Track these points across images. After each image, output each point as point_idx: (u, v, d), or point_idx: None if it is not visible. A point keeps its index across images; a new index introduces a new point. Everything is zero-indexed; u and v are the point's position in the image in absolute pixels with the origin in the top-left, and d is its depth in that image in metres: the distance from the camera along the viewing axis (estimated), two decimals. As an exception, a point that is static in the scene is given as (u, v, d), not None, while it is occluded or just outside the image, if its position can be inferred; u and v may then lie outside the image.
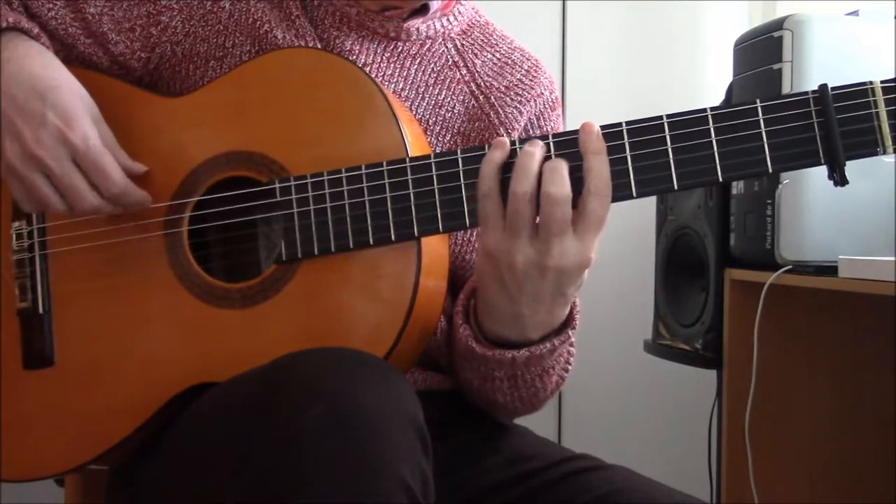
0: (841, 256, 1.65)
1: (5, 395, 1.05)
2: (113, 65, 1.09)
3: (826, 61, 1.75)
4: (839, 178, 0.90)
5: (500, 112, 1.13)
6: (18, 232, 1.06)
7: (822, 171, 1.72)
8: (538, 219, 0.90)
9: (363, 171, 0.96)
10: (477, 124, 1.13)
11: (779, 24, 1.80)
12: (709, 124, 0.91)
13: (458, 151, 0.94)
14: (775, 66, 1.78)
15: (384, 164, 0.95)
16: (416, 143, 0.99)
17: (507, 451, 1.08)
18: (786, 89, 1.76)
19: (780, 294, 1.82)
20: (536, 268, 0.91)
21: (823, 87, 0.90)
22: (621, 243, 2.34)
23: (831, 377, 1.96)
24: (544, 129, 1.16)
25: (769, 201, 1.82)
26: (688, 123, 0.91)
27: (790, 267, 1.78)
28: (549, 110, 1.16)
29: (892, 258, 1.55)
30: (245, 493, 0.81)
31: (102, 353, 1.03)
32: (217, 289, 1.00)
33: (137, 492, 1.03)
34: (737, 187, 1.94)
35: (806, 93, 0.90)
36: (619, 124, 0.92)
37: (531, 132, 1.15)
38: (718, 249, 1.99)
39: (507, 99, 1.14)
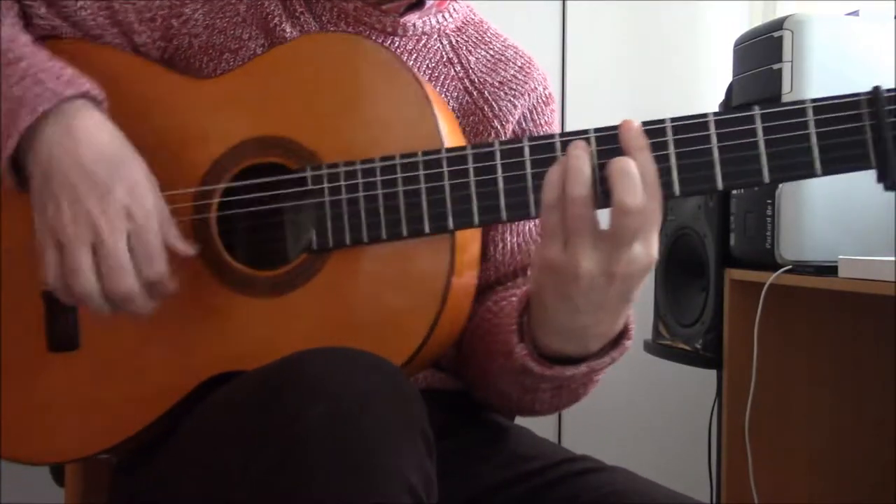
0: (841, 256, 1.65)
1: (27, 377, 1.03)
2: (135, 54, 1.09)
3: (826, 61, 1.75)
4: (890, 184, 0.87)
5: (495, 105, 1.13)
6: None
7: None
8: (609, 227, 0.88)
9: (398, 161, 0.93)
10: (471, 119, 1.13)
11: (779, 24, 1.80)
12: (756, 124, 0.88)
13: (496, 143, 0.92)
14: (775, 66, 1.78)
15: (420, 154, 0.93)
16: (451, 133, 0.97)
17: (508, 451, 1.08)
18: (786, 89, 1.76)
19: (780, 294, 1.82)
20: (604, 275, 0.88)
21: (877, 88, 0.87)
22: (621, 243, 2.33)
23: (831, 377, 1.96)
24: (538, 122, 1.15)
25: (769, 201, 1.82)
26: (734, 122, 0.89)
27: (790, 267, 1.78)
28: (542, 105, 1.16)
29: (892, 258, 1.55)
30: (249, 492, 0.81)
31: (128, 339, 1.01)
32: (246, 276, 0.99)
33: (141, 489, 1.03)
34: (737, 187, 1.94)
35: (858, 94, 0.87)
36: (663, 121, 0.89)
37: (525, 126, 1.15)
38: (718, 249, 1.99)
39: (501, 93, 1.14)
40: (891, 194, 1.77)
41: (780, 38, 1.77)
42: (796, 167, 0.88)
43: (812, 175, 0.88)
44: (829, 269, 1.69)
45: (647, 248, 0.88)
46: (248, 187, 0.99)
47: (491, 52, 1.16)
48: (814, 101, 0.88)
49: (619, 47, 2.59)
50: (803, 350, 1.95)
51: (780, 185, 1.78)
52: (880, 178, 0.88)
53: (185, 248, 0.98)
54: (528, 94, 1.15)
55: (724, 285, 1.95)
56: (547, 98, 1.18)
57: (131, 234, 0.95)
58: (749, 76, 1.87)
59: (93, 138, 0.96)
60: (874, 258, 1.60)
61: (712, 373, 2.06)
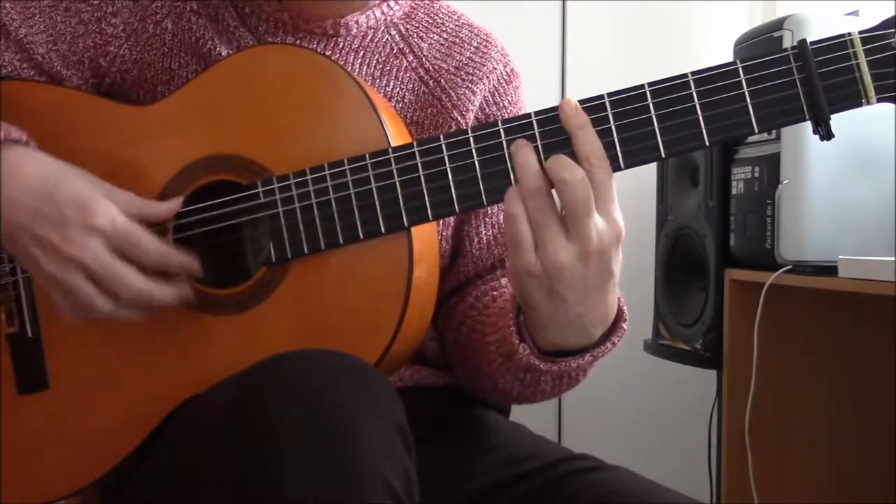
0: (841, 256, 1.65)
1: (4, 422, 1.02)
2: (72, 88, 1.07)
3: (826, 61, 1.75)
4: (825, 133, 0.90)
5: (452, 94, 1.11)
6: None
7: (822, 170, 1.72)
8: (563, 209, 0.89)
9: (346, 167, 0.94)
10: (429, 111, 1.11)
11: (779, 24, 1.80)
12: (691, 89, 0.91)
13: (441, 137, 0.93)
14: (775, 66, 1.78)
15: (367, 156, 0.94)
16: (396, 133, 0.97)
17: (504, 450, 1.07)
18: (786, 89, 1.76)
19: (780, 294, 1.82)
20: (580, 259, 0.89)
21: (802, 42, 0.90)
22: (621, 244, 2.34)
23: (831, 377, 1.96)
24: (500, 105, 1.14)
25: (769, 201, 1.82)
26: (670, 90, 0.91)
27: (790, 267, 1.78)
28: (503, 84, 1.14)
29: (892, 258, 1.55)
30: (228, 495, 0.81)
31: (97, 372, 1.01)
32: (208, 296, 0.98)
33: (129, 497, 1.03)
34: (737, 187, 1.94)
35: (786, 49, 0.90)
36: (601, 96, 0.91)
37: (488, 111, 1.13)
38: (718, 249, 1.99)
39: (458, 80, 1.11)
40: (891, 194, 1.77)
41: (780, 38, 1.77)
42: (734, 127, 0.90)
43: (751, 132, 0.91)
44: (829, 269, 1.69)
45: (609, 219, 0.89)
46: (201, 208, 0.99)
47: (444, 35, 1.13)
48: (743, 61, 0.91)
49: (619, 47, 2.59)
50: (803, 350, 1.95)
51: (781, 186, 1.78)
52: (815, 130, 0.91)
53: (165, 208, 0.98)
54: (487, 77, 1.13)
55: (724, 285, 1.95)
56: (509, 76, 1.15)
57: (106, 241, 0.94)
58: (749, 76, 1.87)
59: (21, 181, 0.95)
60: (874, 258, 1.60)
61: (712, 373, 2.06)
